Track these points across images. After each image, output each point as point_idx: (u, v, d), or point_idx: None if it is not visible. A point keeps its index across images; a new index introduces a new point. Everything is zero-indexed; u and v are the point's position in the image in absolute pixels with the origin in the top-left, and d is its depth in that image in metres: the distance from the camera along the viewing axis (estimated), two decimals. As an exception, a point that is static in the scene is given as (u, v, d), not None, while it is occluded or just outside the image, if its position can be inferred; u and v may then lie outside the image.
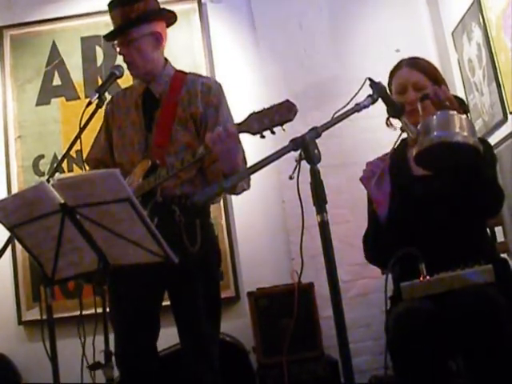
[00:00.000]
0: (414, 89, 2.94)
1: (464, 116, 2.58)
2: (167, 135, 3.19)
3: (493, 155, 2.93)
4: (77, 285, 4.81)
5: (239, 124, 2.82)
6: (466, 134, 2.51)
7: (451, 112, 2.59)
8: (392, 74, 3.06)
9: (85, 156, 3.52)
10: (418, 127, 2.60)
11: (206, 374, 3.12)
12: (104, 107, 3.35)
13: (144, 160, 3.14)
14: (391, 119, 2.90)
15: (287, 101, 2.74)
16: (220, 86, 3.34)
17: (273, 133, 2.75)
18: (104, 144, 3.40)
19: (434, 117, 2.57)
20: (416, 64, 3.02)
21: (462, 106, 2.81)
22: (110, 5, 3.27)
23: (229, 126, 2.84)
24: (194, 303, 3.13)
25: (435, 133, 2.53)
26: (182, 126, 3.21)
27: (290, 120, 2.72)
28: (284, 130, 2.73)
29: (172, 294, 3.22)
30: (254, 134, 2.77)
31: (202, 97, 3.24)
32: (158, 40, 3.30)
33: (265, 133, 2.75)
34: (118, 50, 3.27)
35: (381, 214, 2.85)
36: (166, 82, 3.30)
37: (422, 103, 2.84)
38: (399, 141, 2.97)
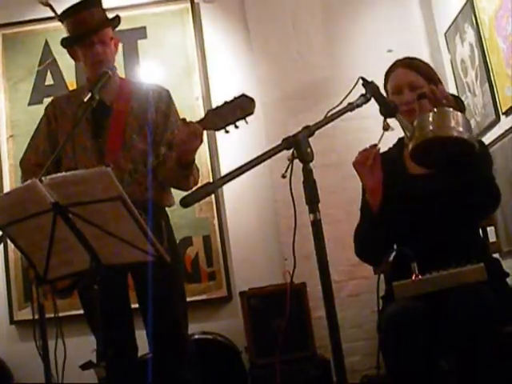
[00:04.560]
0: (409, 89, 2.93)
1: (460, 113, 2.58)
2: (119, 141, 3.25)
3: (488, 156, 2.92)
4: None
5: (201, 122, 2.89)
6: (461, 129, 2.51)
7: (447, 108, 2.59)
8: (387, 74, 3.05)
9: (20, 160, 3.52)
10: (414, 124, 2.60)
11: (184, 373, 3.17)
12: (44, 111, 3.48)
13: (98, 166, 3.14)
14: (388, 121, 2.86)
15: (244, 95, 2.83)
16: (169, 92, 3.44)
17: (236, 127, 2.82)
18: (45, 148, 3.39)
19: (430, 113, 2.57)
20: (411, 64, 3.01)
21: (458, 105, 2.80)
22: (82, 4, 3.33)
23: (196, 126, 2.89)
24: (167, 303, 3.18)
25: (430, 127, 2.53)
26: (137, 133, 3.28)
27: (252, 113, 2.81)
28: (247, 122, 2.81)
29: (141, 295, 3.25)
30: (218, 130, 2.85)
31: (153, 104, 3.33)
32: (116, 46, 3.44)
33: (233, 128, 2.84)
34: (78, 54, 3.36)
35: (373, 203, 2.84)
36: (115, 90, 3.37)
37: (419, 102, 2.84)
38: (382, 140, 2.95)
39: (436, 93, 2.73)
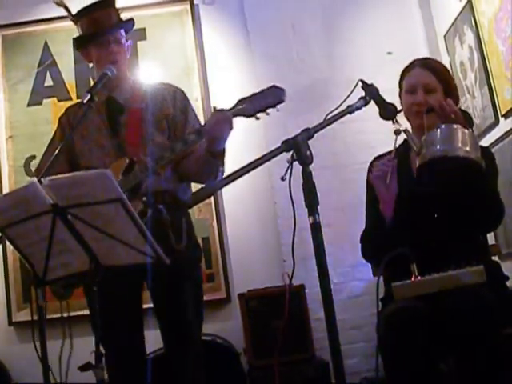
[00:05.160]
0: (424, 90, 2.91)
1: (467, 130, 2.58)
2: (138, 136, 3.25)
3: (495, 166, 2.92)
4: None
5: (231, 109, 2.93)
6: (468, 148, 2.51)
7: (455, 126, 2.58)
8: (404, 72, 3.03)
9: (36, 168, 3.54)
10: (422, 140, 2.60)
11: (196, 375, 3.15)
12: (58, 121, 3.47)
13: (120, 159, 3.16)
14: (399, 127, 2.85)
15: (274, 85, 2.88)
16: (184, 91, 3.46)
17: (267, 114, 2.88)
18: (61, 157, 3.35)
19: (438, 130, 2.57)
20: (429, 65, 2.99)
21: (467, 120, 2.79)
22: (98, 4, 3.35)
23: (227, 112, 2.93)
24: (183, 303, 3.16)
25: (438, 146, 2.53)
26: (155, 127, 3.28)
27: (283, 101, 2.86)
28: (278, 110, 2.87)
29: (157, 294, 3.23)
30: (248, 116, 2.90)
31: (170, 100, 3.35)
32: (129, 49, 3.45)
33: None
34: (91, 54, 3.37)
35: (387, 213, 2.84)
36: (128, 89, 3.38)
37: (427, 116, 2.83)
38: (397, 144, 2.96)
39: (445, 107, 2.72)
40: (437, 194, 2.81)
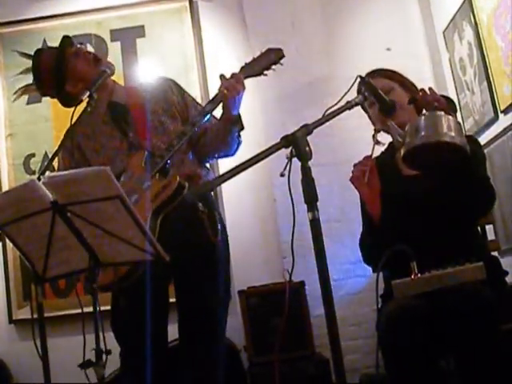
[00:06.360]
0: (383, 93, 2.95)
1: (451, 117, 2.58)
2: (149, 128, 3.24)
3: (482, 153, 2.94)
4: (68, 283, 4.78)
5: (240, 72, 3.16)
6: (453, 134, 2.51)
7: (438, 113, 2.59)
8: None
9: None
10: (406, 128, 2.60)
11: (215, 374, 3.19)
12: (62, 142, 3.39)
13: (137, 153, 3.15)
14: (377, 136, 2.86)
15: (270, 48, 3.23)
16: (173, 79, 3.51)
17: (273, 70, 3.20)
18: (71, 164, 3.33)
19: (422, 117, 2.58)
20: (377, 73, 3.07)
21: (450, 106, 2.81)
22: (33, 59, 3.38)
23: (237, 73, 3.14)
24: (216, 298, 3.15)
25: (422, 133, 2.54)
26: (167, 115, 3.28)
27: (284, 56, 3.21)
28: (282, 64, 3.21)
29: (188, 289, 3.17)
30: (257, 75, 3.19)
31: (168, 89, 3.38)
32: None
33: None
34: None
35: (373, 213, 2.85)
36: (123, 89, 3.42)
37: (410, 106, 2.85)
38: (381, 147, 2.96)
39: (427, 96, 2.73)
40: (428, 190, 2.81)
